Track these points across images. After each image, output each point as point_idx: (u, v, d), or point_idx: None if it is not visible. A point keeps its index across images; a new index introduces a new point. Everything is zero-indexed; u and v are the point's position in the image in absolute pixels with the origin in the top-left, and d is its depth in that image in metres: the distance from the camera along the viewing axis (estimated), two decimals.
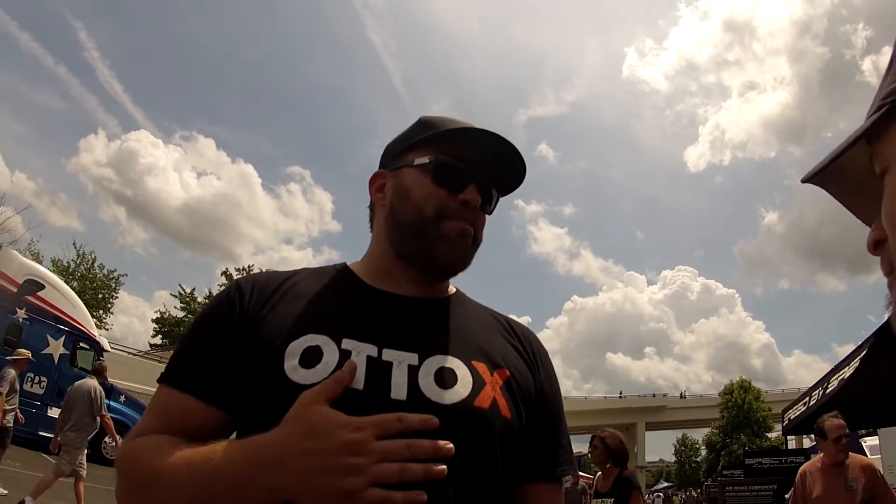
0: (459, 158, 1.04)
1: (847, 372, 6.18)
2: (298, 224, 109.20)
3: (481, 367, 0.98)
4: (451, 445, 0.83)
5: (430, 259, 1.03)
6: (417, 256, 1.04)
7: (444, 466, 0.81)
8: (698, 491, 41.45)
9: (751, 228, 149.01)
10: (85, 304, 15.19)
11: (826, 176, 0.59)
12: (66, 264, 32.39)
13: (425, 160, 1.05)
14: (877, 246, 0.55)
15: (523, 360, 1.07)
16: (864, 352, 5.61)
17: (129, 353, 26.99)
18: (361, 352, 0.92)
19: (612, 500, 4.66)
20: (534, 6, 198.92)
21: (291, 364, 0.89)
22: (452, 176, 1.03)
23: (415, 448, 0.80)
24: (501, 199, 1.12)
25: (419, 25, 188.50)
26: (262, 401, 0.89)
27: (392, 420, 0.81)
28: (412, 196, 1.04)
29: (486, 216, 1.10)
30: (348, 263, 1.13)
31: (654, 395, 75.28)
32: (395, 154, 1.11)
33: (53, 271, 20.52)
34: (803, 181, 0.59)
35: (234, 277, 36.56)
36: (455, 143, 1.04)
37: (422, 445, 0.81)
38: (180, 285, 37.90)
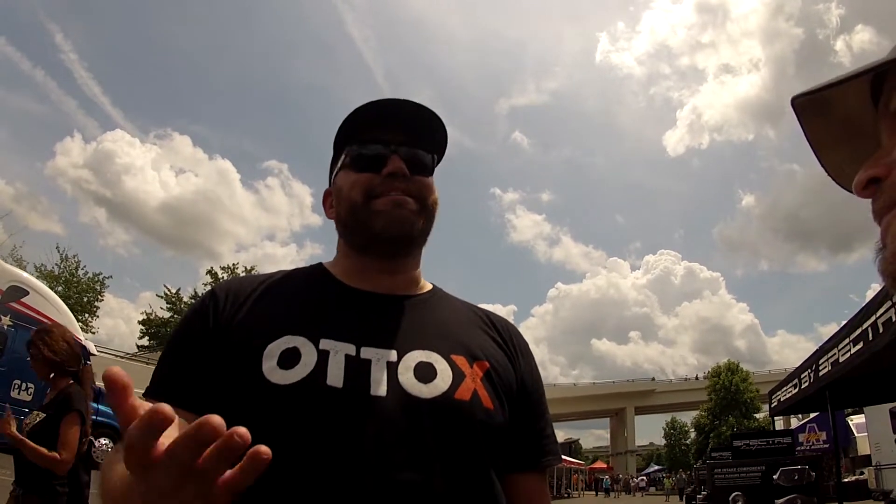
0: (371, 139, 1.05)
1: (837, 354, 6.26)
2: (279, 219, 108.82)
3: (460, 360, 0.99)
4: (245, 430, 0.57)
5: (373, 236, 1.03)
6: (366, 240, 1.05)
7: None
8: (688, 473, 41.84)
9: (729, 211, 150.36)
10: (70, 308, 15.03)
11: (815, 105, 0.57)
12: (51, 269, 32.01)
13: (344, 158, 1.08)
14: (868, 185, 0.52)
15: (503, 352, 1.08)
16: (856, 332, 5.68)
17: (117, 355, 26.77)
18: (339, 351, 0.93)
19: (45, 415, 3.32)
20: None
21: (270, 365, 0.90)
22: (369, 158, 1.05)
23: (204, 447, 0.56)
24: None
25: (399, 19, 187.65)
26: (241, 403, 0.90)
27: (187, 442, 0.56)
28: (344, 192, 1.07)
29: (428, 179, 1.09)
30: (324, 263, 1.14)
31: (653, 379, 75.68)
32: (331, 170, 1.15)
33: (38, 277, 20.30)
34: (795, 97, 0.56)
35: (220, 275, 36.34)
36: (366, 128, 1.06)
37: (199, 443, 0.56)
38: (165, 286, 37.71)
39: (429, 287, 1.15)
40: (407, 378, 0.93)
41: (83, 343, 13.59)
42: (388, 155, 1.04)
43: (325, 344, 0.93)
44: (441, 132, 1.10)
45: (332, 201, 1.14)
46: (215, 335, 0.97)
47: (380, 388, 0.90)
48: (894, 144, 0.51)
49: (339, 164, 1.10)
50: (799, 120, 0.58)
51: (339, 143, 1.10)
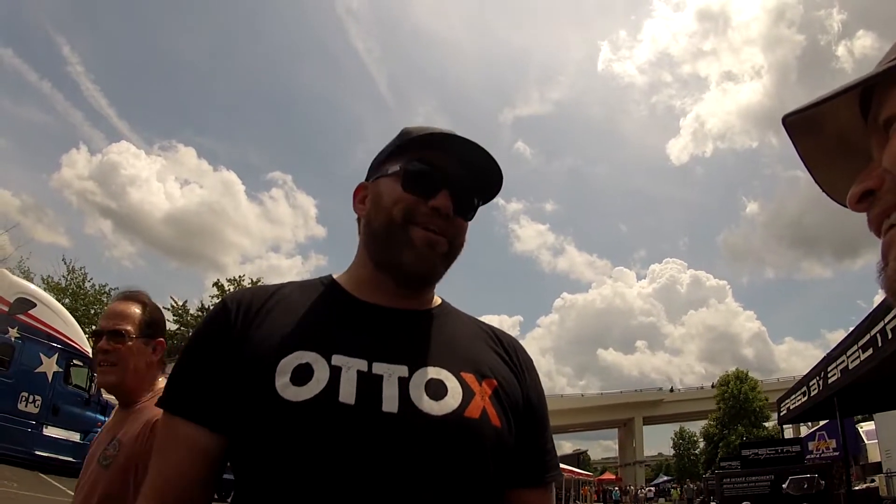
0: (431, 164, 1.04)
1: (846, 361, 6.22)
2: (284, 230, 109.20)
3: (470, 377, 1.00)
4: None
5: (399, 267, 1.03)
6: (389, 264, 1.04)
7: None
8: (697, 483, 41.49)
9: (733, 218, 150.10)
10: (77, 320, 15.04)
11: (806, 122, 0.57)
12: (58, 281, 32.10)
13: (397, 167, 1.06)
14: (862, 198, 0.53)
15: (510, 369, 1.08)
16: (865, 338, 5.65)
17: None
18: (351, 367, 0.93)
19: None
20: (516, 5, 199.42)
21: (283, 382, 0.90)
22: (422, 181, 1.03)
23: None
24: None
25: (403, 29, 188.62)
26: (254, 419, 0.91)
27: None
28: (383, 202, 1.05)
29: (466, 223, 1.09)
30: (334, 275, 1.14)
31: (661, 389, 75.24)
32: (375, 165, 1.13)
33: (45, 289, 20.34)
34: (786, 116, 0.57)
35: (226, 288, 36.34)
36: (429, 150, 1.05)
37: None
38: (172, 298, 37.55)
39: (438, 301, 1.15)
40: (418, 395, 0.93)
41: (90, 355, 13.63)
42: (440, 186, 1.03)
43: (337, 360, 0.93)
44: (497, 187, 1.10)
45: (363, 197, 1.13)
46: (228, 348, 0.97)
47: (391, 404, 0.91)
48: (885, 156, 0.52)
49: (388, 169, 1.08)
50: (791, 139, 0.59)
51: (398, 147, 1.08)
